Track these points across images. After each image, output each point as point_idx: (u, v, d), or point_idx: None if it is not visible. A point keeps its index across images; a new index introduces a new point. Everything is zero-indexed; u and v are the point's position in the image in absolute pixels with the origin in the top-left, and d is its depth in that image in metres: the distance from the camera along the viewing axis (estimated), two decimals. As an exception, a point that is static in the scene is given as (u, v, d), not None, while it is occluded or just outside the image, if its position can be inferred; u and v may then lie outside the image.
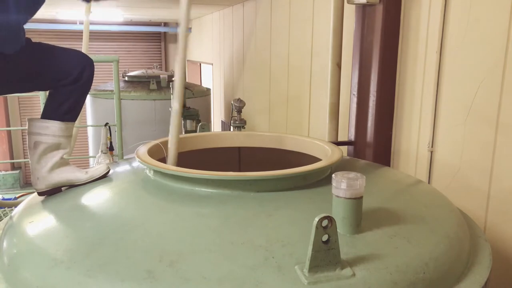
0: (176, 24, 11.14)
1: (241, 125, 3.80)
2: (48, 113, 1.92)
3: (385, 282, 1.24)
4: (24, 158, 10.25)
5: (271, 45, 5.16)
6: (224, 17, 7.23)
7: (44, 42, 1.95)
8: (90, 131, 6.97)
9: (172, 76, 6.99)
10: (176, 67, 2.00)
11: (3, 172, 10.84)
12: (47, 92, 2.02)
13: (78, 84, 1.92)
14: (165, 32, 11.67)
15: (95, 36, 9.99)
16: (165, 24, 11.27)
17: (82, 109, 2.33)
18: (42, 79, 1.90)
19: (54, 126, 1.89)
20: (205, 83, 9.35)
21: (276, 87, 5.09)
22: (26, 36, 1.85)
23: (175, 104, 2.02)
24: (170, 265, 1.26)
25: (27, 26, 1.84)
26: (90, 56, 2.06)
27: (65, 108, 1.93)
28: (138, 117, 6.13)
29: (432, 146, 2.70)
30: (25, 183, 10.90)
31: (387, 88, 2.94)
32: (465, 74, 2.45)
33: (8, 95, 9.09)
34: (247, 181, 1.68)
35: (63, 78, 1.89)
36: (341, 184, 1.37)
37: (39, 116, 1.94)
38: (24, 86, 1.98)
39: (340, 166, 2.00)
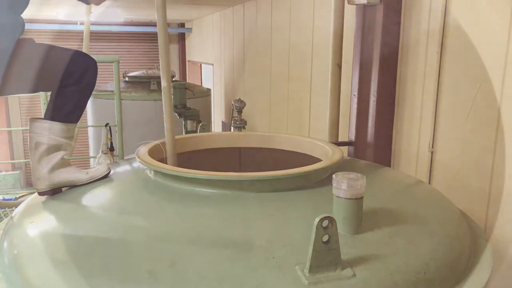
0: (177, 25, 11.15)
1: (241, 125, 3.79)
2: (50, 114, 1.91)
3: (386, 282, 1.24)
4: (25, 159, 10.25)
5: (272, 45, 5.16)
6: (225, 17, 7.23)
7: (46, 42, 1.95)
8: (90, 131, 6.98)
9: (173, 76, 7.00)
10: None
11: (4, 173, 10.85)
12: (48, 93, 2.02)
13: (80, 85, 1.91)
14: (165, 33, 11.65)
15: (96, 36, 9.99)
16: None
17: (83, 110, 2.33)
18: (44, 79, 1.90)
19: (55, 127, 1.89)
20: (206, 84, 9.35)
21: (277, 87, 5.09)
22: (29, 37, 1.84)
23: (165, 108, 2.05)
24: (171, 265, 1.26)
25: (28, 26, 1.84)
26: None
27: (67, 109, 1.92)
28: (139, 117, 6.12)
29: (432, 147, 2.70)
30: (26, 183, 10.91)
31: (387, 88, 2.94)
32: (465, 74, 2.45)
33: (9, 96, 9.09)
34: (247, 182, 1.68)
35: (65, 78, 1.89)
36: (341, 185, 1.37)
37: (40, 117, 1.94)
38: (26, 87, 1.98)
39: (340, 166, 1.99)
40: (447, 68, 2.57)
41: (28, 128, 1.91)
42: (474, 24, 2.37)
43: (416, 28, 2.78)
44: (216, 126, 7.79)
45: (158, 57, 2.08)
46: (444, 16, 2.53)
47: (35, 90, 2.08)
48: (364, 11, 2.95)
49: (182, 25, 11.08)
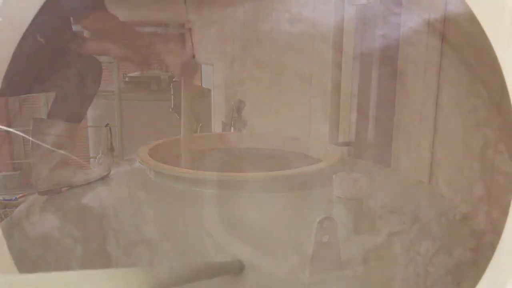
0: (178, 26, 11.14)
1: (241, 125, 3.80)
2: (54, 113, 1.92)
3: (386, 282, 1.24)
4: (25, 159, 10.25)
5: (272, 45, 5.16)
6: (225, 17, 7.23)
7: None
8: (90, 131, 6.97)
9: (173, 76, 6.98)
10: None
11: (4, 173, 10.84)
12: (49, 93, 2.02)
13: (84, 84, 1.92)
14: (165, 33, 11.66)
15: (96, 36, 9.97)
16: (165, 25, 11.26)
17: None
18: (48, 79, 1.90)
19: (58, 127, 1.89)
20: (206, 84, 9.35)
21: (277, 87, 5.09)
22: None
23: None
24: (171, 265, 1.26)
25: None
26: None
27: (70, 108, 1.93)
28: (139, 117, 6.12)
29: (432, 147, 2.70)
30: (26, 183, 10.90)
31: (387, 88, 2.94)
32: (466, 73, 2.45)
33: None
34: (247, 182, 1.68)
35: (69, 78, 1.89)
36: (341, 185, 1.37)
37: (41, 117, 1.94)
38: (31, 87, 1.98)
39: (340, 166, 1.99)
40: (448, 68, 2.57)
41: (28, 128, 1.92)
42: (474, 21, 2.37)
43: (416, 26, 2.77)
44: (216, 126, 7.78)
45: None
46: (445, 15, 2.53)
47: (40, 90, 2.08)
48: (364, 11, 2.95)
49: (182, 25, 11.07)
